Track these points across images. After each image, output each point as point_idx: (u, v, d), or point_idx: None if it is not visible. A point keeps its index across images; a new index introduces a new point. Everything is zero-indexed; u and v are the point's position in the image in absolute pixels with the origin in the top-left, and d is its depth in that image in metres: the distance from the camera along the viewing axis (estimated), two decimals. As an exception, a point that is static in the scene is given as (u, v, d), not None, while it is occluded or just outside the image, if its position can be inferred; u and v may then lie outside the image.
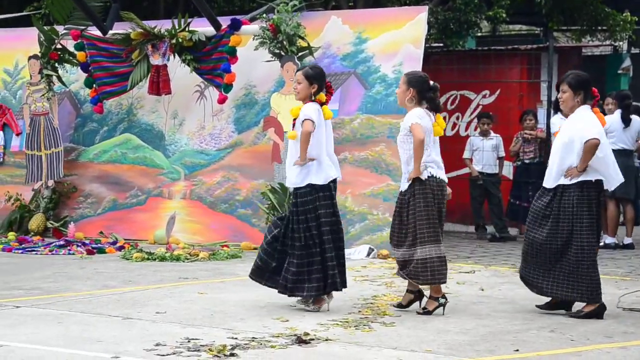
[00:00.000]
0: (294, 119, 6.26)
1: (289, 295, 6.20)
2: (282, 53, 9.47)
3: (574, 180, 6.04)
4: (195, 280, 7.52)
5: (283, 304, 6.37)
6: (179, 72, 10.11)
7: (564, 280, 6.04)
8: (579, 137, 6.03)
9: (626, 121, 9.87)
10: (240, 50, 9.67)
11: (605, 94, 10.23)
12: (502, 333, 5.59)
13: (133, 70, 10.06)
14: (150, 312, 6.10)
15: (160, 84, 10.01)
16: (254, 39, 9.64)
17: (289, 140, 6.29)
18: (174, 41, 9.80)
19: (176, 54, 9.90)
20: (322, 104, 6.29)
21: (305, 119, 6.15)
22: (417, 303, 6.25)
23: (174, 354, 4.92)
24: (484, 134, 10.76)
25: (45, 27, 10.64)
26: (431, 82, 6.29)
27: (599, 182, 6.09)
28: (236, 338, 5.30)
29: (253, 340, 5.23)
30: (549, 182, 6.14)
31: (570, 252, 6.03)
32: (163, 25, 10.04)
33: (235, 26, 9.68)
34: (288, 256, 6.19)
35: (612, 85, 12.78)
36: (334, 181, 6.28)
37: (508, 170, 10.92)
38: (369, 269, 8.15)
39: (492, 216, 10.69)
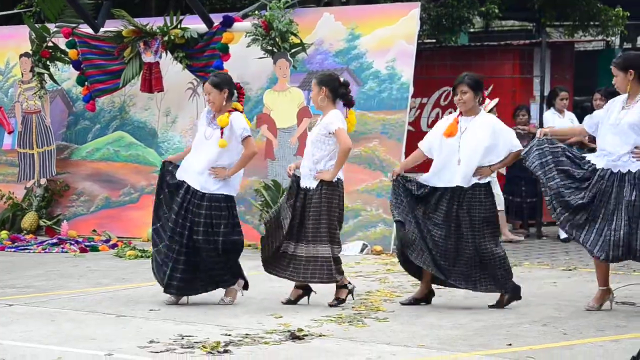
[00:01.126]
0: (222, 128, 6.24)
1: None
2: (275, 50, 9.46)
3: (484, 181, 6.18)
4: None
5: (276, 301, 6.37)
6: (171, 69, 10.10)
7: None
8: (506, 143, 6.19)
9: None
10: (232, 48, 9.66)
11: (596, 89, 10.24)
12: (495, 327, 5.60)
13: (125, 68, 10.04)
14: (143, 309, 6.10)
15: (152, 82, 9.99)
16: (246, 36, 9.62)
17: (220, 147, 6.25)
18: (166, 38, 9.79)
19: (168, 52, 9.88)
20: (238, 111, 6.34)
21: (248, 136, 6.28)
22: (306, 298, 6.30)
23: (168, 350, 4.92)
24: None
25: (36, 25, 10.61)
26: (341, 79, 6.40)
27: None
28: (230, 335, 5.30)
29: (247, 337, 5.23)
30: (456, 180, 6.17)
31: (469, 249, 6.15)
32: (155, 23, 10.02)
33: (227, 23, 9.66)
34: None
35: (604, 81, 12.80)
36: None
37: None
38: (363, 265, 8.16)
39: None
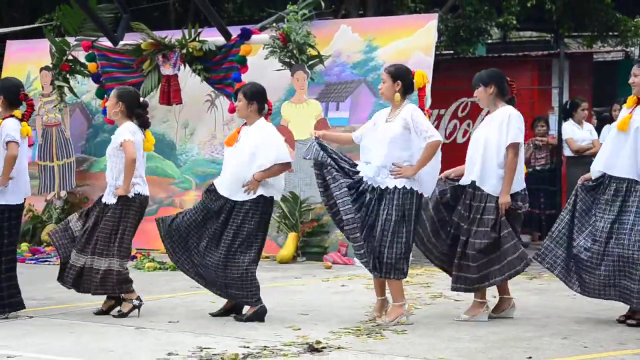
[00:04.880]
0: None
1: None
2: (293, 62, 9.48)
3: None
4: (207, 289, 7.52)
5: (294, 313, 6.36)
6: (190, 82, 10.14)
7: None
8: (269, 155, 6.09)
9: None
10: (250, 60, 9.69)
11: (616, 100, 10.19)
12: (514, 340, 5.57)
13: (144, 81, 10.09)
14: (162, 321, 6.11)
15: (171, 94, 10.04)
16: (264, 48, 9.66)
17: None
18: (184, 51, 9.84)
19: (187, 64, 9.93)
20: (21, 119, 6.42)
21: (10, 142, 6.28)
22: (114, 308, 6.32)
23: (186, 363, 4.92)
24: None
25: (56, 39, 10.70)
26: (141, 99, 6.45)
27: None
28: (248, 347, 5.29)
29: (265, 349, 5.23)
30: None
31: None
32: (173, 36, 10.08)
33: (245, 35, 9.70)
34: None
35: (623, 91, 12.73)
36: None
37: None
38: (381, 277, 8.13)
39: (505, 223, 10.64)
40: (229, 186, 6.11)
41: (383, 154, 5.95)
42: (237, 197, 6.08)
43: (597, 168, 6.11)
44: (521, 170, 6.11)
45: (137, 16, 11.28)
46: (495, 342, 5.51)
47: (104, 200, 6.33)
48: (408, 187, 5.90)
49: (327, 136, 6.36)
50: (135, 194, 6.24)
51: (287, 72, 9.59)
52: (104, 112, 10.48)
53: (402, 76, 6.09)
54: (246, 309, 6.16)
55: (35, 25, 12.56)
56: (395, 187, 5.89)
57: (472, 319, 6.08)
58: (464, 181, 6.12)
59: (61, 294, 7.25)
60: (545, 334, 5.73)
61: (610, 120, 9.84)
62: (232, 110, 9.88)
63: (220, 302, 6.36)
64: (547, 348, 5.35)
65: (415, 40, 9.51)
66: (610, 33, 13.19)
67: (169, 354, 5.12)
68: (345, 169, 6.04)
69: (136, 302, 6.27)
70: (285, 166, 6.15)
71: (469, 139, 11.49)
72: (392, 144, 5.94)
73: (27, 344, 5.42)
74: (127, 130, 6.24)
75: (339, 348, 5.28)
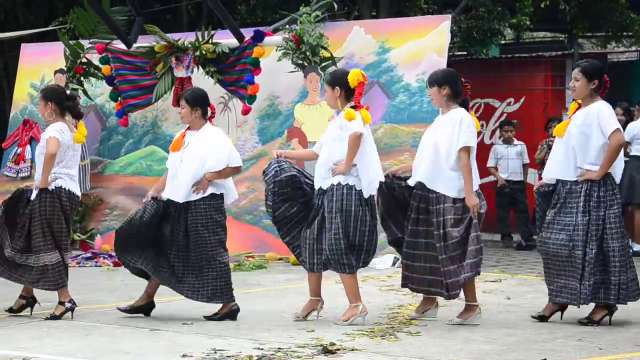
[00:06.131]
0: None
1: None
2: (305, 64, 9.49)
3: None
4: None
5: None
6: (203, 84, 10.14)
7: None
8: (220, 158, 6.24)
9: None
10: (263, 62, 9.70)
11: (631, 100, 10.15)
12: (529, 342, 5.55)
13: (157, 83, 10.13)
14: (176, 323, 6.13)
15: (184, 96, 10.06)
16: (277, 50, 9.67)
17: None
18: (197, 53, 9.86)
19: (200, 66, 9.95)
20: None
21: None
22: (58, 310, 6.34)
23: (200, 365, 4.93)
24: (507, 141, 10.73)
25: (70, 42, 10.75)
26: (68, 92, 6.53)
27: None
28: (262, 349, 5.30)
29: (279, 351, 5.23)
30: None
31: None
32: (186, 38, 10.11)
33: (258, 37, 9.71)
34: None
35: (638, 92, 12.67)
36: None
37: (533, 178, 10.84)
38: (395, 279, 8.11)
39: (519, 224, 10.62)
40: (185, 191, 6.22)
41: (324, 154, 6.15)
42: (192, 197, 6.22)
43: (545, 175, 6.25)
44: (476, 172, 6.09)
45: (151, 19, 11.31)
46: (510, 344, 5.49)
47: (32, 196, 6.38)
48: (344, 183, 6.02)
49: (289, 154, 6.55)
50: (56, 187, 6.30)
51: (300, 74, 9.60)
52: (118, 114, 10.54)
53: (340, 82, 6.17)
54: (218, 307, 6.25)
55: (50, 28, 12.62)
56: (332, 185, 6.03)
57: (465, 322, 6.04)
58: (412, 181, 6.16)
59: (76, 296, 7.27)
60: (559, 336, 5.71)
61: (626, 121, 9.81)
62: (245, 112, 9.90)
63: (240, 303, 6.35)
64: (562, 350, 5.33)
65: (428, 42, 9.50)
66: (625, 33, 13.12)
67: (183, 355, 5.13)
68: (305, 188, 6.20)
69: (68, 305, 6.32)
70: (236, 170, 6.35)
71: (482, 140, 11.56)
72: (331, 145, 6.12)
73: (43, 346, 5.44)
74: (54, 129, 6.34)
75: (352, 350, 5.28)
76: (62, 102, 6.39)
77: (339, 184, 6.04)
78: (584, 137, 5.93)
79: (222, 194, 6.31)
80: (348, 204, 6.01)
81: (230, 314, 6.24)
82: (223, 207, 6.34)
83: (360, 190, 6.05)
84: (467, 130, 5.99)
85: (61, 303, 6.34)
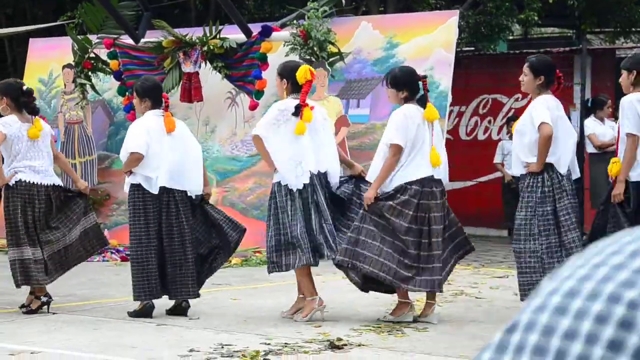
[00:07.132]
0: None
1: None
2: (313, 59, 9.47)
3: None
4: (228, 286, 7.55)
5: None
6: (211, 79, 10.16)
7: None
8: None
9: None
10: (271, 57, 9.69)
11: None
12: (536, 338, 5.53)
13: (165, 78, 10.13)
14: (183, 318, 6.13)
15: (192, 91, 10.07)
16: (284, 45, 9.66)
17: None
18: (205, 48, 9.86)
19: (207, 61, 9.95)
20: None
21: None
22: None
23: (208, 359, 4.94)
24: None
25: (78, 37, 10.76)
26: (24, 87, 6.46)
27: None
28: (269, 344, 5.30)
29: (286, 346, 5.24)
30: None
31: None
32: (194, 33, 10.10)
33: (266, 33, 9.71)
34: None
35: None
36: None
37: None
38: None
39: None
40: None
41: None
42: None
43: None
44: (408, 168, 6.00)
45: (158, 14, 11.31)
46: (517, 340, 5.48)
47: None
48: (275, 181, 6.14)
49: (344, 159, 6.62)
50: (16, 181, 6.30)
51: (307, 69, 9.58)
52: (126, 109, 10.54)
53: (288, 75, 6.21)
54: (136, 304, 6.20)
55: (58, 23, 12.64)
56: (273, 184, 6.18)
57: (396, 319, 5.96)
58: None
59: (84, 290, 7.30)
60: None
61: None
62: (252, 107, 9.90)
63: (240, 299, 6.35)
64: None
65: (436, 37, 9.48)
66: (633, 29, 13.08)
67: (191, 350, 5.13)
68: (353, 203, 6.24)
69: (44, 299, 6.33)
70: (134, 154, 6.21)
71: (489, 136, 11.55)
72: None
73: (50, 340, 5.46)
74: (4, 123, 6.33)
75: (360, 345, 5.28)
76: (17, 97, 6.35)
77: (273, 183, 6.21)
78: (521, 133, 5.89)
79: (139, 184, 6.22)
80: (273, 201, 6.11)
81: (145, 312, 6.14)
82: (141, 198, 6.19)
83: (287, 185, 6.06)
84: (391, 127, 5.93)
85: (36, 297, 6.34)
